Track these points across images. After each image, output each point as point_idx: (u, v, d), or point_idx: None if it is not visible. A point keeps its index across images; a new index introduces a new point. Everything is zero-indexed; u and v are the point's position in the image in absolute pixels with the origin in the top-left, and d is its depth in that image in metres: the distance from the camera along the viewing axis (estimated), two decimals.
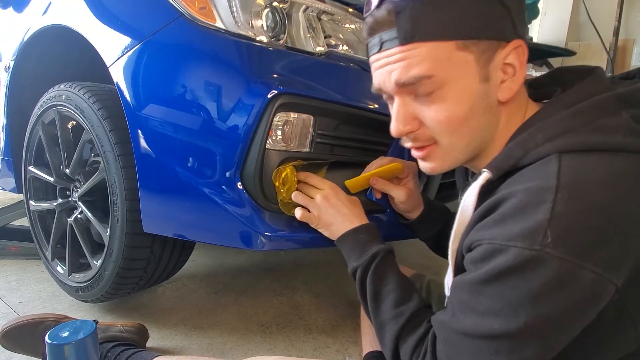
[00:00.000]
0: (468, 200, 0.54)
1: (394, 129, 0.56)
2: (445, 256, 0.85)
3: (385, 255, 0.68)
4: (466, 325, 0.48)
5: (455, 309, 0.51)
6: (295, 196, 0.80)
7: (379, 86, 0.56)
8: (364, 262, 0.68)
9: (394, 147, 0.91)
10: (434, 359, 0.53)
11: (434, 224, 0.87)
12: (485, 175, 0.52)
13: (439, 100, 0.52)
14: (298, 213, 0.80)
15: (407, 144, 0.58)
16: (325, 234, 0.79)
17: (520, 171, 0.49)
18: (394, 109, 0.55)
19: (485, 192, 0.52)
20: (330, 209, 0.77)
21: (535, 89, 0.60)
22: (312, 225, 0.80)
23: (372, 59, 0.56)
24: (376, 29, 0.53)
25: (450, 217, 0.87)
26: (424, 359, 0.54)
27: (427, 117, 0.53)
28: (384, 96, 0.58)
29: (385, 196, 0.87)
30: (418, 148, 0.57)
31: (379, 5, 0.52)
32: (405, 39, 0.50)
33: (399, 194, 0.83)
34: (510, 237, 0.44)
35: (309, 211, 0.79)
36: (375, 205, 0.89)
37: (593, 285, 0.42)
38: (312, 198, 0.79)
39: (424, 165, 0.59)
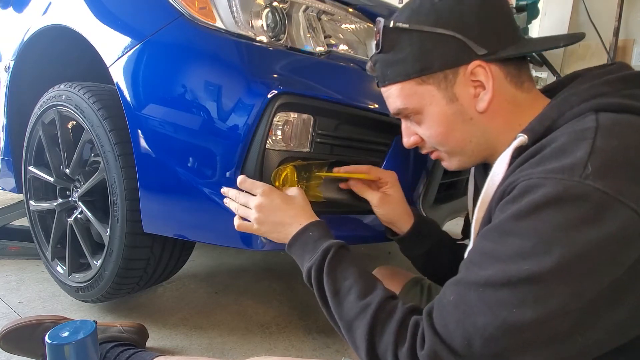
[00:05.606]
0: (499, 167, 0.53)
1: (403, 142, 0.69)
2: (436, 279, 0.84)
3: (338, 249, 0.63)
4: (489, 275, 0.44)
5: (475, 262, 0.47)
6: (236, 209, 0.75)
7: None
8: (317, 261, 0.62)
9: (394, 148, 0.91)
10: (433, 332, 0.47)
11: (424, 240, 0.83)
12: (520, 140, 0.51)
13: (421, 122, 0.63)
14: (235, 222, 0.76)
15: (423, 152, 0.69)
16: (275, 241, 0.73)
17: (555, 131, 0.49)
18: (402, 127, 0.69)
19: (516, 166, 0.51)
20: (269, 216, 0.71)
21: (548, 91, 0.61)
22: (257, 234, 0.75)
23: None
24: (371, 72, 0.68)
25: (442, 235, 0.85)
26: (414, 340, 0.48)
27: (420, 133, 0.65)
28: None
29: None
30: (429, 153, 0.68)
31: (371, 57, 0.66)
32: (382, 82, 0.64)
33: (372, 198, 0.82)
34: (549, 172, 0.44)
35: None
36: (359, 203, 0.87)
37: (629, 222, 0.41)
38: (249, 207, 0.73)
39: (443, 164, 0.68)
